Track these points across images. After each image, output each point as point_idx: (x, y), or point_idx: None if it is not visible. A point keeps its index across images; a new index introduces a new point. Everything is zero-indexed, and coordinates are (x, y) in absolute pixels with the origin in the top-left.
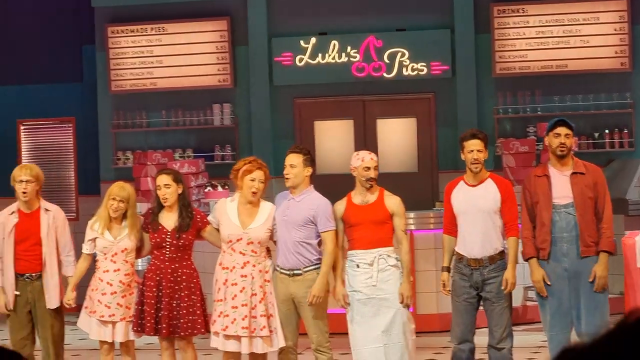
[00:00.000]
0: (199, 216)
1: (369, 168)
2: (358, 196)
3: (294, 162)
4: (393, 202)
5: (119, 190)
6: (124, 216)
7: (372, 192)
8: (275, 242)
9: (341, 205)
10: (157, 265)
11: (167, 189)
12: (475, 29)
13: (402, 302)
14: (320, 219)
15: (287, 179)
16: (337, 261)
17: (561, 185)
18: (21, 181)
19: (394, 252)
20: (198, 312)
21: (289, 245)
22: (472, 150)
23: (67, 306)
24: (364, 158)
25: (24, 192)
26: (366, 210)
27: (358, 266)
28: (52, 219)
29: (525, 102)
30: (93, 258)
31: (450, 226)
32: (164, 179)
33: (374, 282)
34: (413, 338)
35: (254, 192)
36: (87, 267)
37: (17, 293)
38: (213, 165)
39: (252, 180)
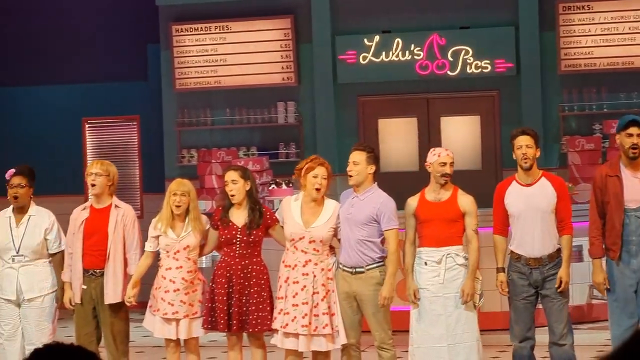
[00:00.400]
0: (268, 213)
1: (444, 164)
2: (431, 193)
3: (357, 160)
4: (466, 201)
5: (178, 185)
6: (186, 213)
7: (446, 189)
8: (339, 239)
9: (414, 200)
10: (227, 262)
11: (234, 184)
12: (540, 26)
13: (462, 298)
14: (383, 217)
15: (350, 176)
16: (409, 257)
17: (633, 189)
18: (91, 173)
19: (462, 251)
20: (268, 308)
21: (352, 243)
22: (521, 146)
23: (127, 304)
24: (440, 154)
25: (92, 185)
26: (438, 207)
27: (426, 263)
28: (122, 216)
29: (591, 100)
30: (156, 256)
31: (502, 226)
32: (231, 175)
33: (440, 280)
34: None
35: (317, 189)
36: (149, 265)
37: (84, 287)
38: (277, 163)
39: (315, 176)
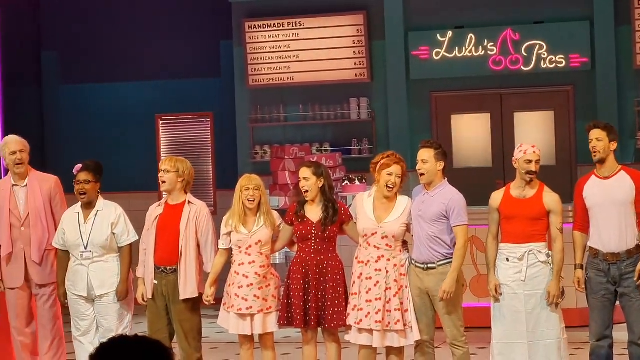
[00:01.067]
0: (342, 209)
1: (530, 161)
2: (517, 189)
3: (425, 157)
4: (551, 199)
5: (248, 180)
6: (258, 208)
7: (532, 186)
8: (413, 235)
9: (498, 195)
10: (302, 258)
11: (306, 181)
12: (616, 20)
13: (547, 299)
14: (453, 213)
15: (421, 174)
16: (491, 251)
17: None
18: (160, 170)
19: (545, 248)
20: (344, 303)
21: (423, 239)
22: (591, 140)
23: (207, 303)
24: (527, 151)
25: (162, 182)
26: (522, 204)
27: (508, 260)
28: (194, 213)
29: None
30: (230, 253)
31: (582, 223)
32: (303, 172)
33: (522, 277)
34: (564, 337)
35: (389, 188)
36: (224, 263)
37: (156, 282)
38: (350, 159)
39: (389, 174)
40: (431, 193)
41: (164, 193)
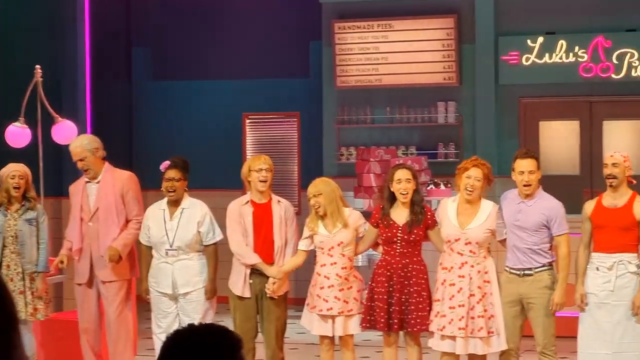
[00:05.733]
0: (429, 213)
1: (606, 165)
2: (608, 198)
3: (532, 168)
4: None
5: (310, 187)
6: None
7: (624, 195)
8: (499, 241)
9: (590, 204)
10: (387, 261)
11: (407, 183)
12: None
13: (632, 310)
14: (555, 222)
15: (528, 185)
16: (581, 261)
17: None
18: (260, 169)
19: (636, 258)
20: (427, 308)
21: (522, 248)
22: None
23: (269, 292)
24: (606, 156)
25: (264, 181)
26: (613, 214)
27: (597, 269)
28: (284, 212)
29: None
30: (310, 255)
31: None
32: (405, 174)
33: (611, 287)
34: None
35: (468, 191)
36: (299, 263)
37: (251, 281)
38: (436, 163)
39: (468, 177)
40: (529, 202)
41: (259, 191)
